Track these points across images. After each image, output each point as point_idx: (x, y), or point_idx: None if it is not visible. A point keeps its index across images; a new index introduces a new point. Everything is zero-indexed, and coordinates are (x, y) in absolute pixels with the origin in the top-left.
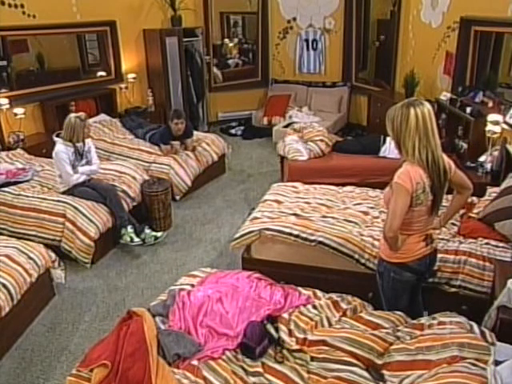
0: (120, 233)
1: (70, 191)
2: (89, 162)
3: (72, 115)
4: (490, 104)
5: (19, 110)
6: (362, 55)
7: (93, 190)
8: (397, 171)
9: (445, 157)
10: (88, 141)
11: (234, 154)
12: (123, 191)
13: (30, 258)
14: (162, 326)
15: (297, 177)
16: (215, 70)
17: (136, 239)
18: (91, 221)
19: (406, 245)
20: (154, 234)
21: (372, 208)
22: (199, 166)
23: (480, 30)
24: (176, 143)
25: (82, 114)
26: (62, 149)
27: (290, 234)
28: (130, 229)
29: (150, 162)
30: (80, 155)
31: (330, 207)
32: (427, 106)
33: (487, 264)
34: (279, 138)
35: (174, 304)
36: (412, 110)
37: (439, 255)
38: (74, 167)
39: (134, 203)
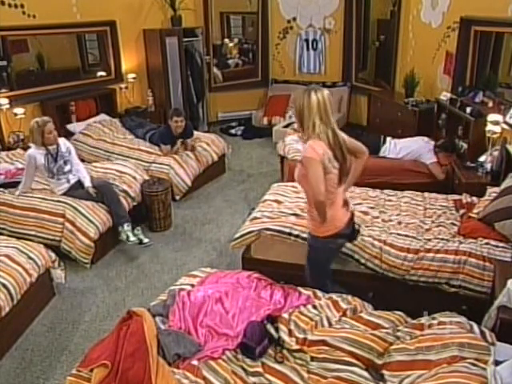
0: (117, 230)
1: (69, 193)
2: (66, 163)
3: (34, 119)
4: (490, 104)
5: (19, 110)
6: (362, 55)
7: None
8: (305, 147)
9: (340, 132)
10: (65, 142)
11: (234, 153)
12: (124, 191)
13: (30, 258)
14: (162, 326)
15: None
16: (215, 70)
17: (132, 238)
18: (91, 221)
19: (333, 214)
20: (141, 237)
21: (372, 208)
22: (199, 166)
23: (480, 29)
24: (179, 143)
25: (40, 119)
26: (30, 152)
27: (290, 234)
28: (126, 227)
29: (149, 162)
30: (54, 158)
31: None
32: (326, 91)
33: (487, 264)
34: (279, 138)
35: (174, 304)
36: (313, 95)
37: (439, 255)
38: (50, 170)
39: (134, 203)
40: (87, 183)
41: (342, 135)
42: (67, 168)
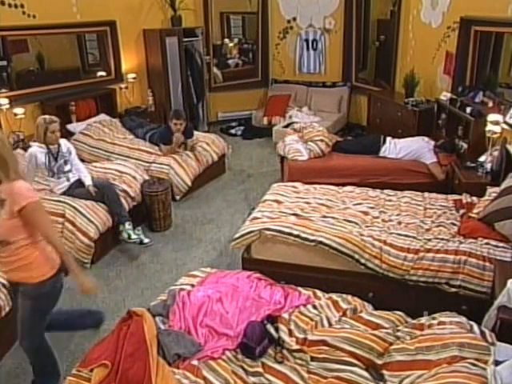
0: (118, 229)
1: (69, 192)
2: (66, 163)
3: (43, 115)
4: (490, 104)
5: (19, 110)
6: (362, 55)
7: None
8: (14, 195)
9: None
10: (66, 142)
11: (234, 154)
12: (124, 191)
13: None
14: (162, 326)
15: (297, 177)
16: (215, 70)
17: (133, 236)
18: (90, 221)
19: (50, 253)
20: (141, 237)
21: (372, 208)
22: (199, 165)
23: (480, 29)
24: (178, 135)
25: (48, 116)
26: (32, 150)
27: (290, 234)
28: (127, 225)
29: (150, 162)
30: (54, 158)
31: (329, 207)
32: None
33: (487, 264)
34: (279, 138)
35: (174, 304)
36: None
37: (439, 255)
38: (50, 169)
39: (134, 203)
40: (88, 182)
41: None
42: (67, 168)
